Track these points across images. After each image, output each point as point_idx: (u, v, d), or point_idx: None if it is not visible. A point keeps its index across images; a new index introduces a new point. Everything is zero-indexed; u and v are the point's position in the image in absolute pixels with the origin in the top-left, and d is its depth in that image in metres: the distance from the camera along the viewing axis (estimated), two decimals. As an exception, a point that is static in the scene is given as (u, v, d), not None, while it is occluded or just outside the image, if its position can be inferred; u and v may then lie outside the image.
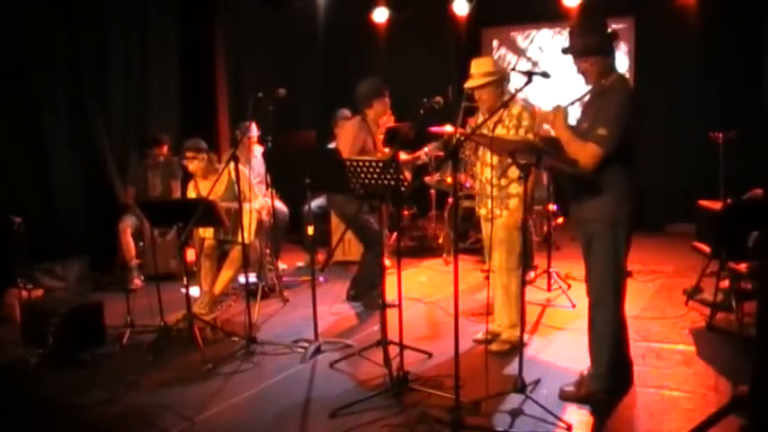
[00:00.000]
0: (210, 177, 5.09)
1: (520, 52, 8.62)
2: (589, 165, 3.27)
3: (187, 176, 5.55)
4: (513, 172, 3.93)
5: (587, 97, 3.52)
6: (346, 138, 5.12)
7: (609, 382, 3.51)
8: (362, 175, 4.08)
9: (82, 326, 4.47)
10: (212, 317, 4.95)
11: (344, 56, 9.16)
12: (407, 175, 5.40)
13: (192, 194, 5.29)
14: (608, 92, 3.35)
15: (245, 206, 5.15)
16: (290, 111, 8.09)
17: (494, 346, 4.29)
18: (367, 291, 5.27)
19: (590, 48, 3.35)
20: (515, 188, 4.14)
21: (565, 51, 3.49)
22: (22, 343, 4.56)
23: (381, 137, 5.39)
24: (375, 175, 4.01)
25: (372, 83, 5.23)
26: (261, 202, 5.42)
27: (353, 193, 4.28)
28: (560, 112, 3.39)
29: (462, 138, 3.99)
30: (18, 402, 3.87)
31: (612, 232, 3.37)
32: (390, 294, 4.68)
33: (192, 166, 5.19)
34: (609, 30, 3.44)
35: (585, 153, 3.27)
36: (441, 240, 7.26)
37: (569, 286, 5.43)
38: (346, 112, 6.63)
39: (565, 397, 3.58)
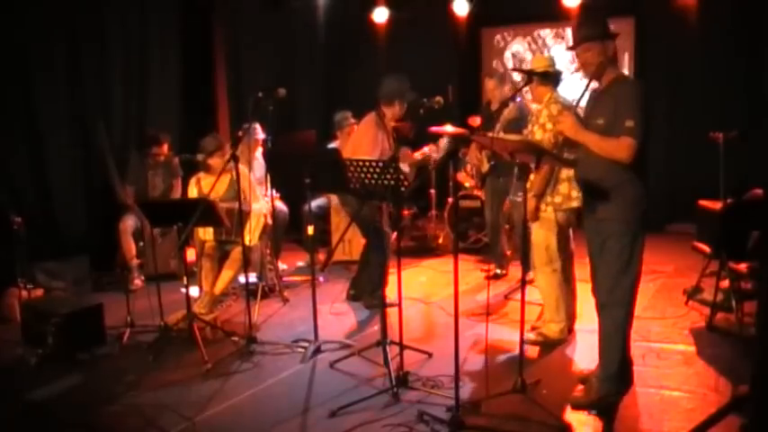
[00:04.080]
0: (214, 174, 5.09)
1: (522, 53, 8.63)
2: (626, 158, 3.26)
3: (188, 175, 5.54)
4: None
5: (592, 94, 3.53)
6: (366, 139, 4.94)
7: (619, 383, 3.50)
8: (362, 175, 4.08)
9: (82, 326, 4.47)
10: (212, 317, 4.95)
11: (344, 56, 9.16)
12: (409, 176, 5.40)
13: (193, 191, 5.29)
14: (619, 86, 3.37)
15: (254, 207, 5.15)
16: (289, 111, 8.09)
17: (530, 336, 4.34)
18: (369, 292, 5.26)
19: (588, 35, 3.39)
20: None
21: (568, 48, 3.54)
22: (22, 343, 4.56)
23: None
24: (375, 176, 4.01)
25: (399, 83, 5.00)
26: (262, 204, 5.40)
27: (353, 193, 4.28)
28: (570, 118, 3.39)
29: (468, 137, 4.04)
30: (18, 402, 3.87)
31: (630, 231, 3.36)
32: (390, 294, 4.69)
33: (213, 160, 5.18)
34: (609, 27, 3.45)
35: (621, 147, 3.25)
36: (441, 240, 7.26)
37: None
38: (349, 117, 6.60)
39: (577, 404, 3.53)
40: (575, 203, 4.19)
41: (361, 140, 5.04)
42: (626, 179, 3.32)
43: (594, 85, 3.50)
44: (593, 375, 3.63)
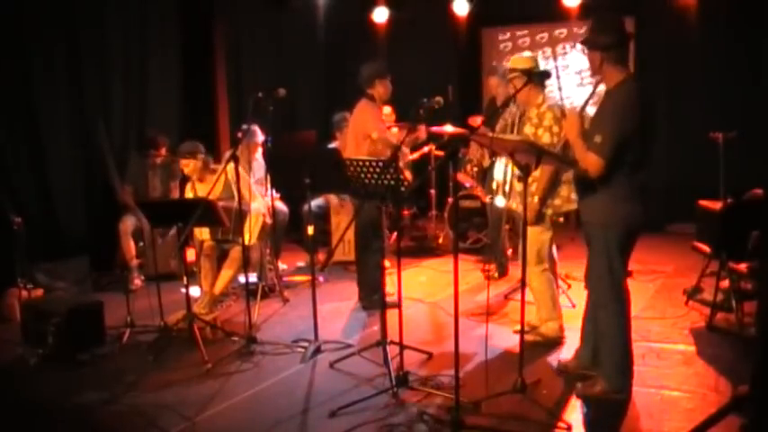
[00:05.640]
0: (207, 179, 5.09)
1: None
2: (592, 173, 3.31)
3: (186, 177, 5.53)
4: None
5: (599, 98, 3.54)
6: (369, 119, 5.05)
7: (618, 382, 3.52)
8: (362, 175, 4.08)
9: (82, 326, 4.46)
10: (212, 317, 4.94)
11: (344, 56, 9.15)
12: (408, 175, 5.41)
13: (189, 196, 5.28)
14: (609, 96, 3.40)
15: (253, 206, 5.15)
16: (289, 111, 8.09)
17: (529, 337, 4.29)
18: (368, 294, 5.25)
19: (588, 41, 3.42)
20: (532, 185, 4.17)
21: (581, 41, 3.58)
22: (22, 343, 4.56)
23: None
24: (375, 175, 4.01)
25: (375, 64, 5.27)
26: (260, 203, 5.40)
27: (353, 193, 4.28)
28: (574, 116, 3.40)
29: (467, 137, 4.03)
30: (18, 402, 3.87)
31: (605, 234, 3.41)
32: (390, 289, 4.69)
33: (188, 169, 5.18)
34: (620, 30, 3.43)
35: (588, 162, 3.30)
36: (441, 240, 7.26)
37: (569, 286, 5.42)
38: (348, 118, 6.59)
39: (581, 395, 3.58)
40: (574, 206, 4.18)
41: (364, 122, 5.10)
42: (606, 181, 3.32)
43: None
44: (563, 361, 3.73)
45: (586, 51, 3.47)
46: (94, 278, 6.10)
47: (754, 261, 4.31)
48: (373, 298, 5.22)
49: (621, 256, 3.44)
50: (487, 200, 5.51)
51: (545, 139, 4.15)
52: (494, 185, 4.93)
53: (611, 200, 3.36)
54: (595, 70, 3.44)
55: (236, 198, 4.56)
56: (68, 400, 3.84)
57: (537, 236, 4.26)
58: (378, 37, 8.99)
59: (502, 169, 4.63)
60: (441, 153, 6.87)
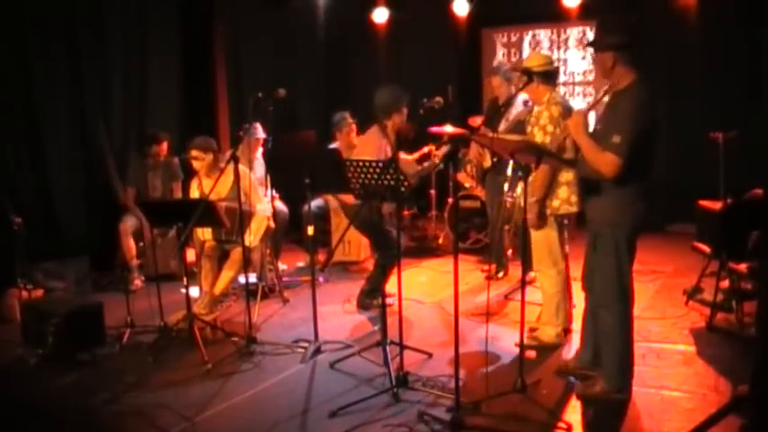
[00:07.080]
0: (214, 176, 5.08)
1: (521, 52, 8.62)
2: (609, 174, 3.26)
3: (189, 176, 5.53)
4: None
5: (606, 99, 3.53)
6: (371, 149, 4.95)
7: (619, 382, 3.52)
8: (362, 176, 4.08)
9: (82, 326, 4.47)
10: (212, 317, 4.94)
11: (344, 56, 9.17)
12: (412, 180, 5.40)
13: (195, 193, 5.27)
14: (622, 96, 3.36)
15: (258, 208, 5.15)
16: (290, 111, 8.09)
17: (526, 339, 4.30)
18: (366, 292, 5.24)
19: (600, 43, 3.39)
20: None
21: (588, 44, 3.57)
22: (22, 343, 4.56)
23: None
24: (375, 176, 4.01)
25: (393, 94, 4.99)
26: (267, 206, 5.38)
27: (353, 193, 4.28)
28: (580, 117, 3.38)
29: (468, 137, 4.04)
30: (18, 403, 3.87)
31: (613, 233, 3.39)
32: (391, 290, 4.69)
33: (197, 164, 5.17)
34: (632, 30, 3.39)
35: (604, 162, 3.26)
36: (441, 240, 7.26)
37: (569, 286, 5.41)
38: (347, 117, 6.59)
39: (582, 395, 3.58)
40: (574, 208, 4.16)
41: (363, 150, 5.06)
42: (625, 179, 3.31)
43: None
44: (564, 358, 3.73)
45: (595, 54, 3.43)
46: (94, 278, 6.10)
47: (754, 261, 4.31)
48: (365, 298, 5.22)
49: (630, 255, 3.44)
50: (507, 199, 5.42)
51: (537, 138, 4.13)
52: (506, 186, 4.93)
53: (621, 200, 3.35)
54: (606, 72, 3.39)
55: (239, 199, 4.55)
56: (68, 400, 3.84)
57: (544, 235, 4.25)
58: (378, 37, 8.99)
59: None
60: (441, 153, 6.86)
